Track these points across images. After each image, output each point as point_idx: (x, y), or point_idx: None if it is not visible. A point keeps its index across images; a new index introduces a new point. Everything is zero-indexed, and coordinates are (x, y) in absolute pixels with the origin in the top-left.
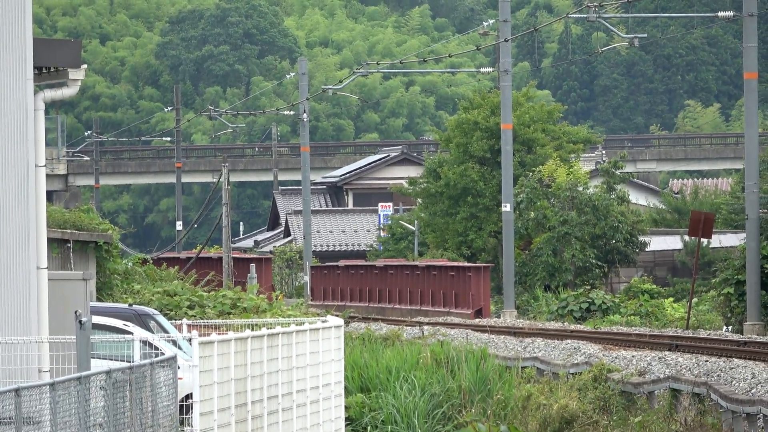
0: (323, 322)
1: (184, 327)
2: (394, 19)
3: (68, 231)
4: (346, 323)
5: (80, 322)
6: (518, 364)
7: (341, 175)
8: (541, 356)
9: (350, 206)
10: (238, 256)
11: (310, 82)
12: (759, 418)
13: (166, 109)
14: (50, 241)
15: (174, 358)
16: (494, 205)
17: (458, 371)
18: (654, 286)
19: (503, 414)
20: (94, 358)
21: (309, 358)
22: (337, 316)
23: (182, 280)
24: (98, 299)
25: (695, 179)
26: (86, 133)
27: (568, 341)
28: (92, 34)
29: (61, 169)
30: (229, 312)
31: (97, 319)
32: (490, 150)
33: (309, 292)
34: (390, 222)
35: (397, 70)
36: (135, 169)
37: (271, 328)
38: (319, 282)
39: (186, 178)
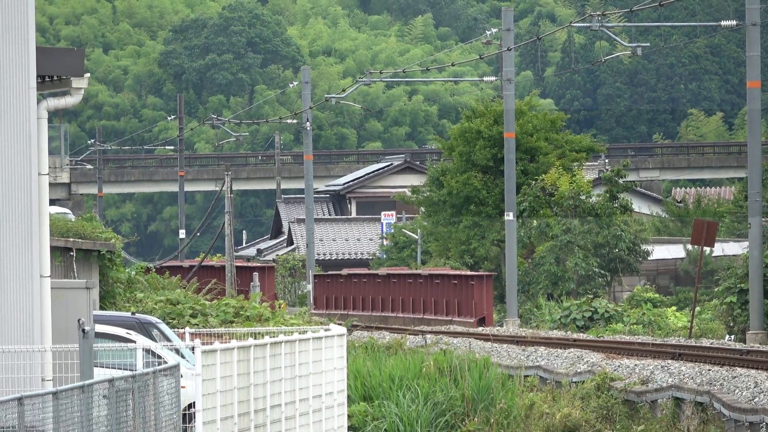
0: (326, 330)
1: (187, 335)
2: (397, 28)
3: (71, 239)
4: (349, 332)
5: (83, 330)
6: (521, 373)
7: (344, 184)
8: (544, 365)
9: (353, 215)
10: (241, 264)
11: (313, 91)
12: (762, 427)
13: (169, 118)
14: (53, 249)
15: (177, 367)
16: (497, 213)
17: (461, 380)
18: (657, 295)
19: (506, 423)
20: (96, 366)
21: (312, 366)
22: (339, 324)
23: (185, 288)
24: (101, 308)
25: (698, 188)
26: (89, 142)
27: (571, 350)
28: (95, 43)
29: (64, 178)
30: (231, 320)
31: (100, 328)
32: (493, 159)
33: (312, 301)
34: (393, 230)
35: (400, 79)
36: (138, 177)
37: (274, 337)
38: (322, 290)
39: (189, 187)
